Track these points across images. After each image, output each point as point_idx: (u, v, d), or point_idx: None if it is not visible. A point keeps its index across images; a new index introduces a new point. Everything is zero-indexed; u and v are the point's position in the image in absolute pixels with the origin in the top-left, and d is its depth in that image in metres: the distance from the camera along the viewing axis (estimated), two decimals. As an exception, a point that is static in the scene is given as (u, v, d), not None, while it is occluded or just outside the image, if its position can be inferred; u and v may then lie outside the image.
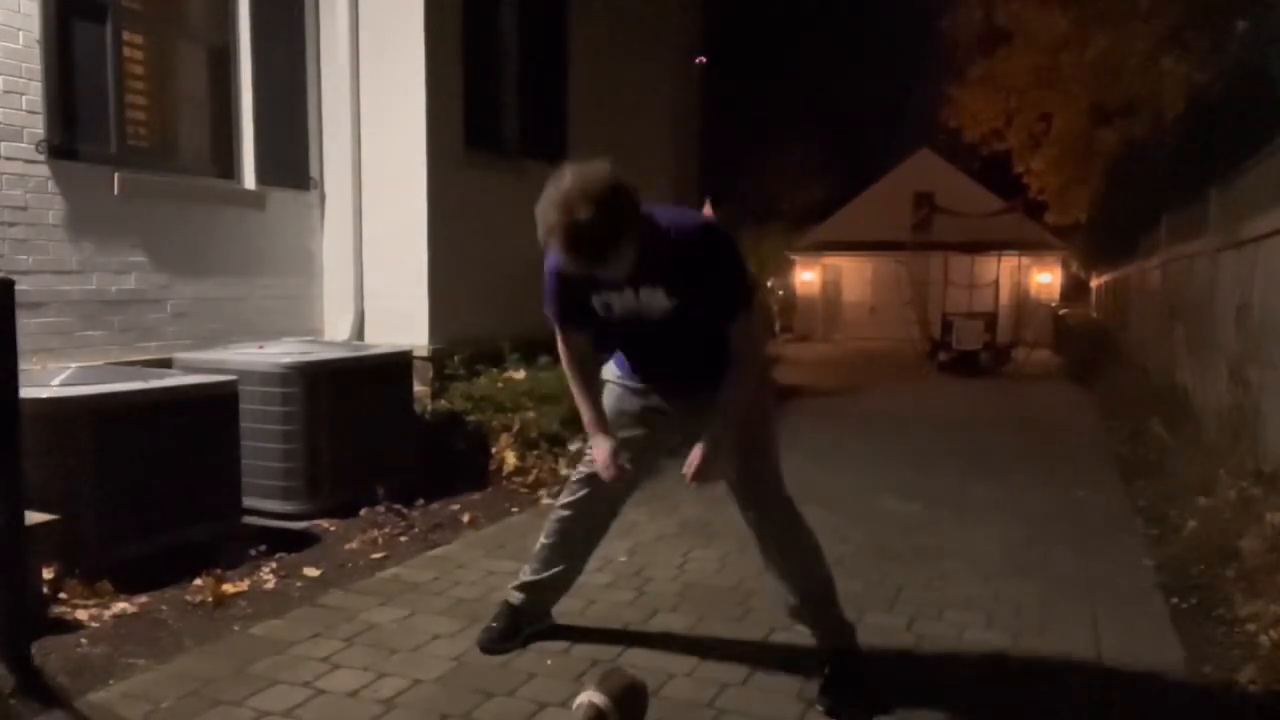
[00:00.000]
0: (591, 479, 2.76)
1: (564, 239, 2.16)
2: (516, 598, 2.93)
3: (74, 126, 4.48)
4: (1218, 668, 2.80)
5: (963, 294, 16.59)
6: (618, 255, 2.22)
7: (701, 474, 2.46)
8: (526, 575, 2.95)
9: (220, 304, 5.29)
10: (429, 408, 5.53)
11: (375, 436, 4.64)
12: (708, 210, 8.86)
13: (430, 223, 5.80)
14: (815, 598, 2.67)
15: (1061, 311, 18.86)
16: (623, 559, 3.78)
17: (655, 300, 2.42)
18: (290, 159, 5.77)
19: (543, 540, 2.93)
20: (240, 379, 4.01)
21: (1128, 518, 4.63)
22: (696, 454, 2.47)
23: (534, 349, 6.02)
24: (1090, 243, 17.98)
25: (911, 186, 20.46)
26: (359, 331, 5.95)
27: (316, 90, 5.91)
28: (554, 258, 2.34)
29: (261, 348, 4.73)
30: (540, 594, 2.93)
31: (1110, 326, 14.35)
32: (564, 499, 2.89)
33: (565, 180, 2.18)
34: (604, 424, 2.64)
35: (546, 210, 2.17)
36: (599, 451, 2.60)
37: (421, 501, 4.56)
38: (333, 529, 4.17)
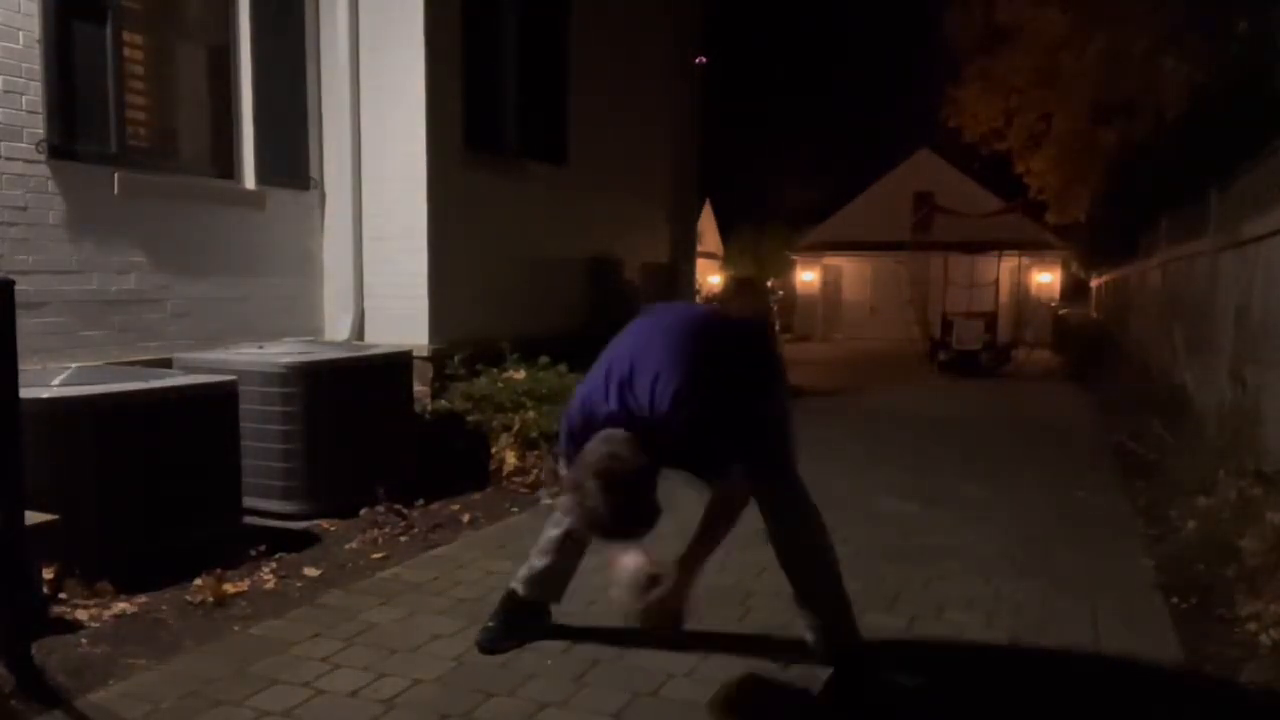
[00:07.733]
0: None
1: (580, 517, 2.33)
2: (522, 590, 2.91)
3: (74, 126, 4.48)
4: (1218, 668, 2.80)
5: (963, 294, 16.59)
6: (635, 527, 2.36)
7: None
8: (534, 565, 2.91)
9: (220, 304, 5.29)
10: (429, 408, 5.53)
11: (375, 436, 4.64)
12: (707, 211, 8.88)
13: (430, 223, 5.80)
14: (822, 596, 2.68)
15: (1061, 311, 18.88)
16: (623, 559, 3.78)
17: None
18: (290, 159, 5.77)
19: (548, 532, 2.90)
20: (240, 379, 4.00)
21: (1128, 518, 4.63)
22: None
23: (534, 349, 6.03)
24: (1090, 243, 17.98)
25: (911, 186, 20.50)
26: (359, 331, 5.95)
27: (316, 91, 5.91)
28: (577, 417, 2.49)
29: (261, 348, 4.73)
30: (544, 586, 2.92)
31: (1110, 326, 14.36)
32: (562, 512, 2.84)
33: (594, 456, 2.28)
34: None
35: (581, 473, 2.28)
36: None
37: (421, 501, 4.56)
38: (333, 529, 4.18)
